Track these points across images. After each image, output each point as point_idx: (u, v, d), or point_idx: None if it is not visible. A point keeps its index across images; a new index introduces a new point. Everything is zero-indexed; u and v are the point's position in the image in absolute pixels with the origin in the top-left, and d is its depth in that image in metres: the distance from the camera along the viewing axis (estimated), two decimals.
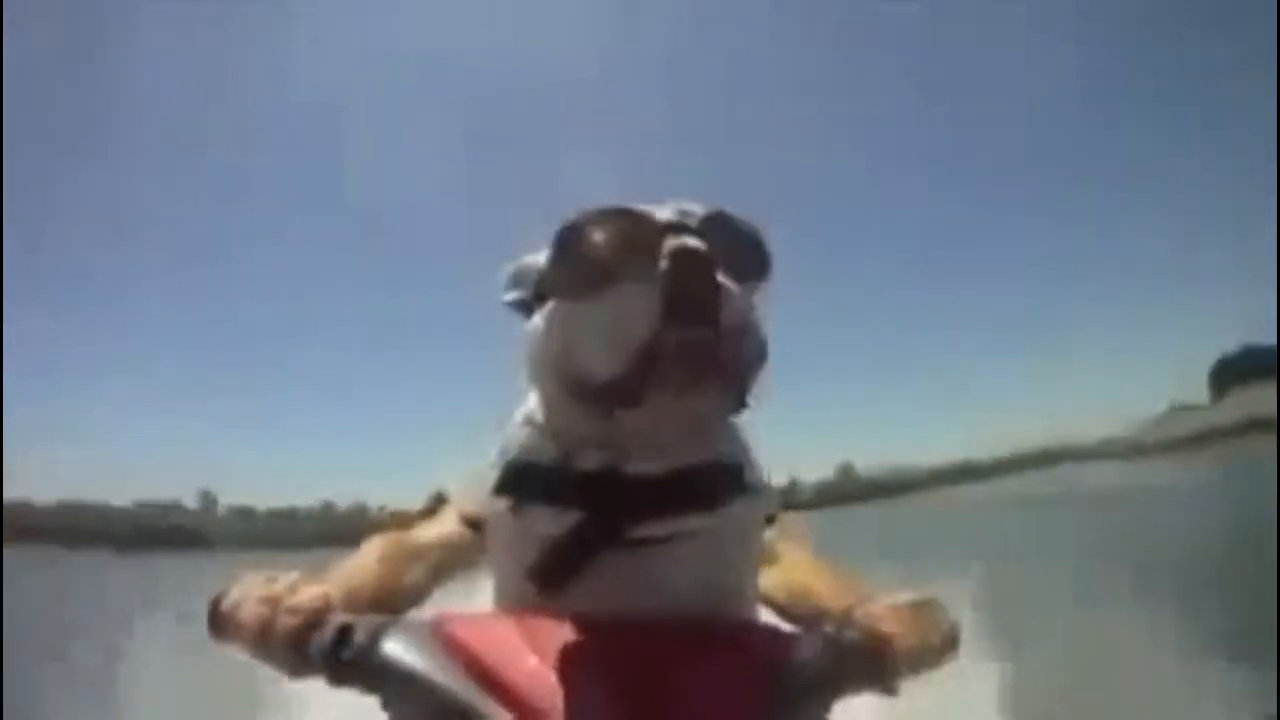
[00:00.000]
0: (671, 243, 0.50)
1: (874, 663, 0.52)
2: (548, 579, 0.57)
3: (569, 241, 0.54)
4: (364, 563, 0.60)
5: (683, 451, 0.57)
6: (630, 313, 0.50)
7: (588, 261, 0.53)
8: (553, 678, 0.50)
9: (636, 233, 0.52)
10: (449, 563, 0.65)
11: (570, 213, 0.55)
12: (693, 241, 0.50)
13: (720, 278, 0.50)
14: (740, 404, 0.55)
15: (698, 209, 0.55)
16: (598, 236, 0.53)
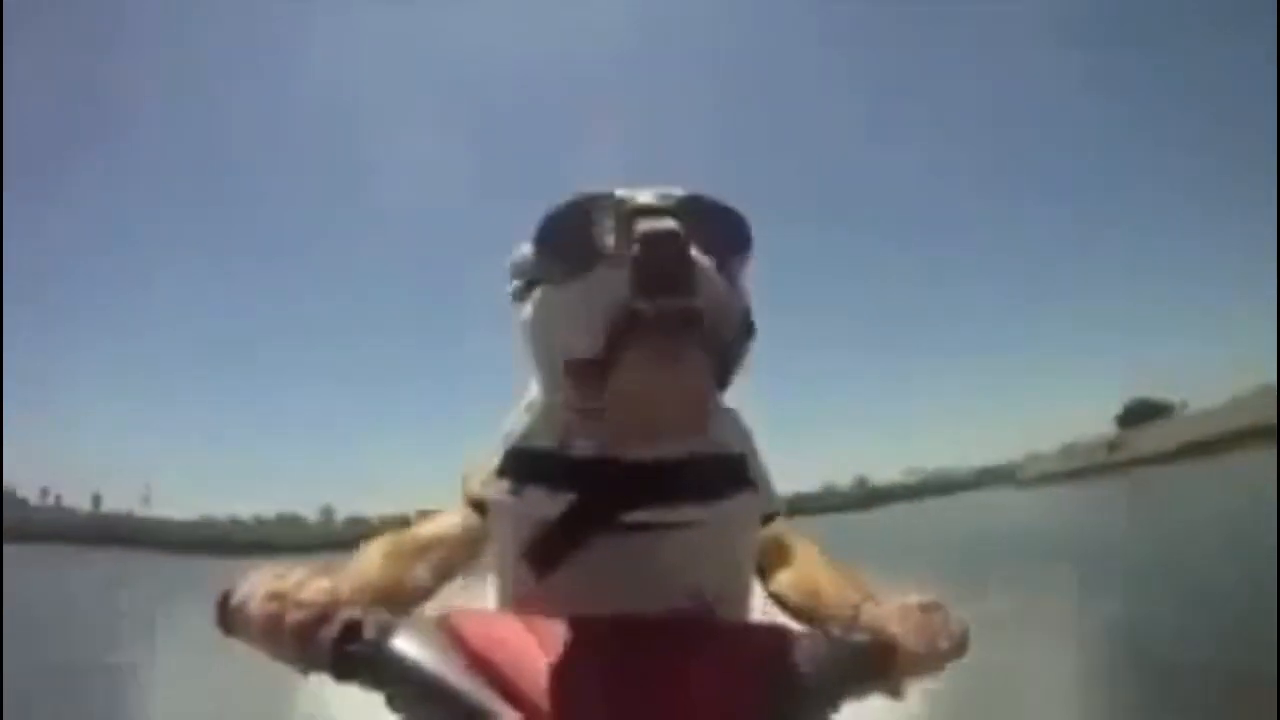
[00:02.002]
0: (643, 224, 0.50)
1: (880, 664, 0.51)
2: (540, 559, 0.57)
3: (548, 227, 0.55)
4: (369, 562, 0.60)
5: (680, 439, 0.56)
6: (603, 290, 0.50)
7: (565, 246, 0.54)
8: (559, 676, 0.50)
9: (612, 216, 0.53)
10: (452, 561, 0.65)
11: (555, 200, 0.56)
12: (665, 223, 0.50)
13: (694, 254, 0.50)
14: (724, 380, 0.54)
15: (677, 191, 0.55)
16: (575, 221, 0.54)
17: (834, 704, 0.52)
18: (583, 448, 0.57)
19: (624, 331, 0.49)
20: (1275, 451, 12.96)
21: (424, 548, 0.64)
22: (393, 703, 0.50)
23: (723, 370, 0.53)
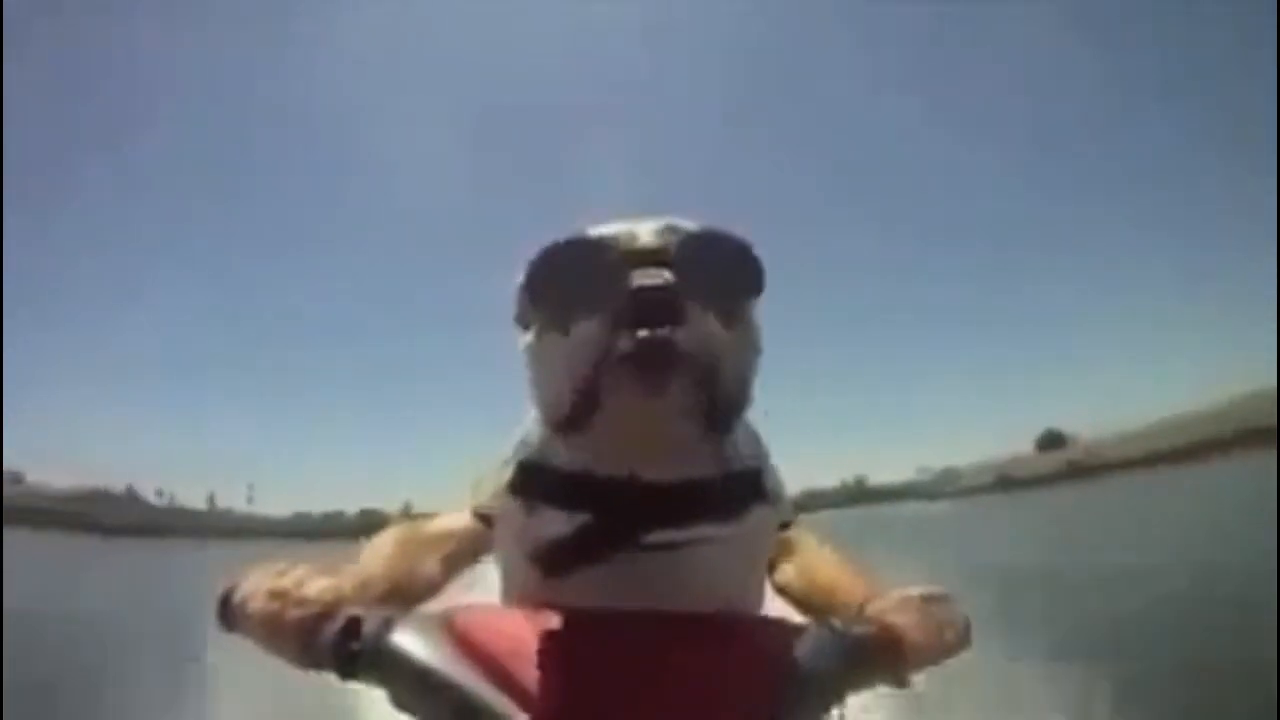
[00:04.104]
0: (636, 279, 0.46)
1: (886, 656, 0.50)
2: (549, 569, 0.55)
3: (534, 276, 0.51)
4: (377, 556, 0.59)
5: (698, 460, 0.53)
6: (586, 347, 0.47)
7: (550, 296, 0.51)
8: (561, 671, 0.49)
9: (600, 267, 0.48)
10: (462, 555, 0.64)
11: (547, 241, 0.51)
12: (654, 279, 0.46)
13: (691, 309, 0.46)
14: (720, 425, 0.49)
15: (687, 226, 0.51)
16: (560, 271, 0.50)
17: (840, 696, 0.51)
18: (603, 467, 0.53)
19: (600, 372, 0.46)
20: (1276, 460, 12.54)
21: (433, 542, 0.63)
22: (397, 699, 0.49)
23: (719, 413, 0.48)
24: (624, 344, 0.45)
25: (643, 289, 0.46)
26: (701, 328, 0.47)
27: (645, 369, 0.45)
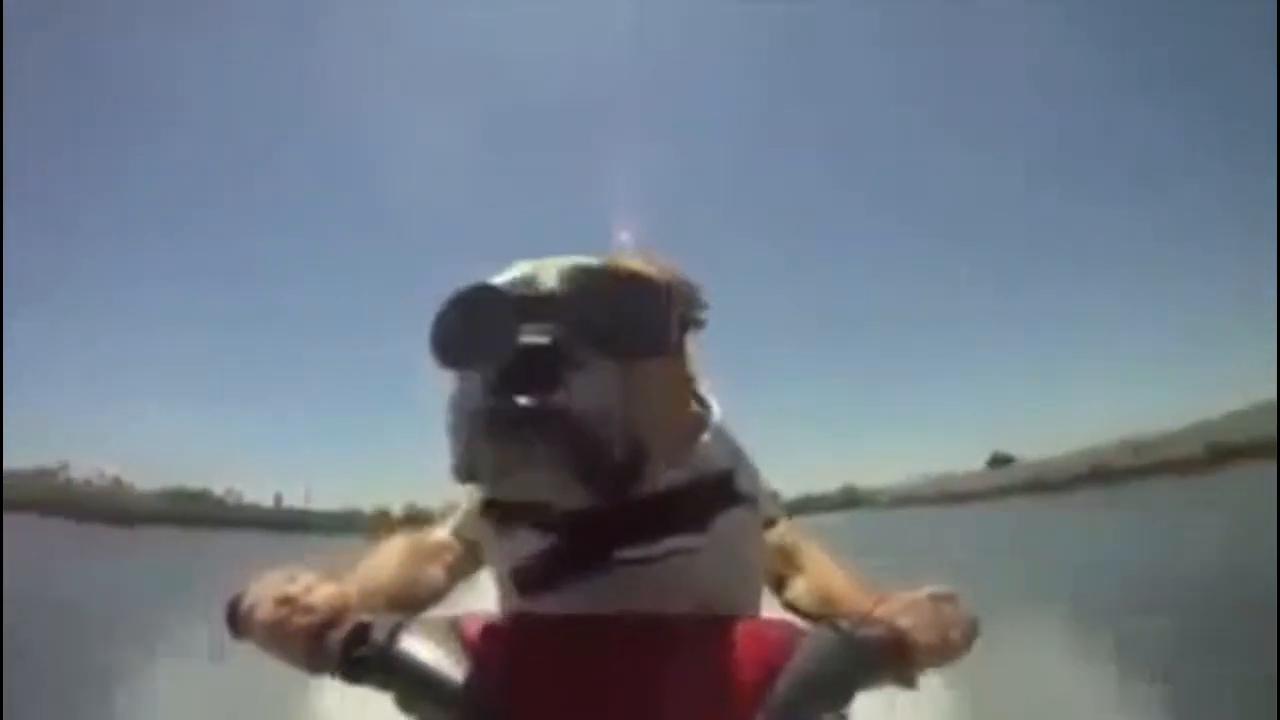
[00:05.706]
0: (519, 340, 0.45)
1: (892, 656, 0.49)
2: (525, 588, 0.56)
3: (435, 327, 0.50)
4: (382, 562, 0.60)
5: (667, 470, 0.53)
6: (467, 406, 0.46)
7: (447, 351, 0.50)
8: (565, 677, 0.50)
9: (488, 319, 0.48)
10: (465, 563, 0.65)
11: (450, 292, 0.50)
12: (536, 339, 0.45)
13: (571, 365, 0.45)
14: (609, 490, 0.47)
15: (591, 266, 0.49)
16: (455, 323, 0.50)
17: (845, 697, 0.50)
18: None
19: (475, 441, 0.46)
20: (1277, 473, 11.94)
21: (437, 550, 0.63)
22: (403, 704, 0.49)
23: (599, 471, 0.46)
24: (497, 406, 0.44)
25: (521, 350, 0.45)
26: (586, 387, 0.45)
27: (505, 443, 0.44)
